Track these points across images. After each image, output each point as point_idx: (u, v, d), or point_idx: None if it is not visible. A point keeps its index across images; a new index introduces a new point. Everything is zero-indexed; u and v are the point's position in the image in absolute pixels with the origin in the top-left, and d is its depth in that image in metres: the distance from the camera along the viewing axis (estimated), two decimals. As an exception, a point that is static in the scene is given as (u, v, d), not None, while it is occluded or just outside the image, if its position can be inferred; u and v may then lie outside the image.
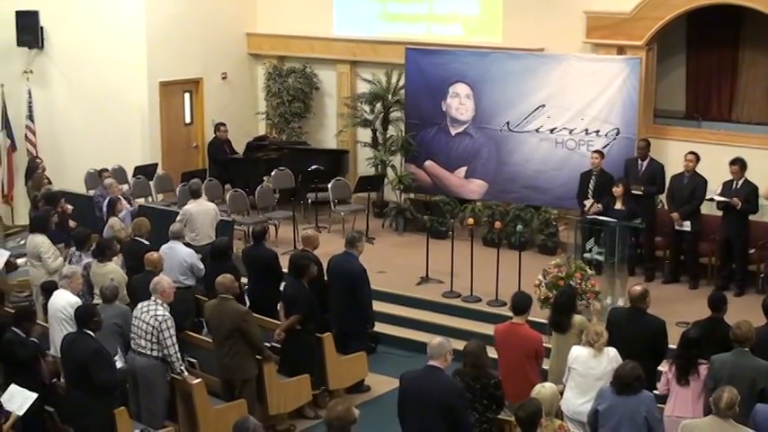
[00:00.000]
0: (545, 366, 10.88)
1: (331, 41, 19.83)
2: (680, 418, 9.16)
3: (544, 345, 10.46)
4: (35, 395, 9.85)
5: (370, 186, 18.07)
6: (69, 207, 15.37)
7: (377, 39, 19.25)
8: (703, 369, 9.57)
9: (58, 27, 19.06)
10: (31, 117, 19.19)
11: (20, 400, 9.81)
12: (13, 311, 11.19)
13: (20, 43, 18.96)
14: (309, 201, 18.36)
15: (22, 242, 15.40)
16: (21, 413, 9.68)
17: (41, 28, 18.96)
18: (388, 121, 18.71)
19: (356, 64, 19.59)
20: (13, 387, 9.86)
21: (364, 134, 19.17)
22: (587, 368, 9.71)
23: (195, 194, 14.86)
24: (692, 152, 14.77)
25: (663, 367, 10.15)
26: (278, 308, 12.30)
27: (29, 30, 18.83)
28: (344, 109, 19.35)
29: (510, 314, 10.76)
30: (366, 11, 19.63)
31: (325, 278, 12.73)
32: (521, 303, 10.43)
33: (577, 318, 10.66)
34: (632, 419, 8.70)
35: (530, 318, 10.46)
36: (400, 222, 17.88)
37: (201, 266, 13.06)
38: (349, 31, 19.75)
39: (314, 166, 18.31)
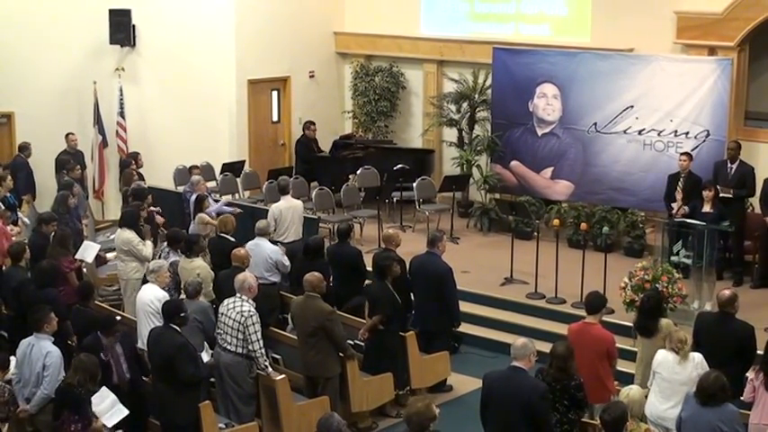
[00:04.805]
0: (631, 370, 10.80)
1: (418, 41, 19.84)
2: (766, 426, 9.01)
3: (629, 348, 10.37)
4: (126, 411, 9.76)
5: (455, 186, 18.05)
6: (157, 211, 15.57)
7: (464, 38, 19.20)
8: (793, 376, 9.41)
9: (149, 25, 19.32)
10: (122, 114, 19.45)
11: (110, 406, 9.72)
12: (102, 306, 11.32)
13: (112, 41, 19.21)
14: (394, 200, 18.38)
15: (111, 237, 15.62)
16: (109, 425, 9.66)
17: (133, 26, 19.22)
18: (475, 120, 18.66)
19: (443, 63, 19.56)
20: (105, 390, 9.79)
21: (450, 134, 19.14)
22: (672, 373, 9.61)
23: (283, 191, 14.97)
24: None
25: (749, 374, 9.99)
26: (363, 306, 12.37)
27: (121, 28, 19.09)
28: (431, 108, 19.33)
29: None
30: (454, 10, 19.60)
31: (408, 278, 12.73)
32: (593, 303, 10.46)
33: (664, 321, 10.54)
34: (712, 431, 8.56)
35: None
36: (485, 222, 17.82)
37: (287, 263, 13.17)
38: (436, 30, 19.74)
39: (399, 165, 18.35)
